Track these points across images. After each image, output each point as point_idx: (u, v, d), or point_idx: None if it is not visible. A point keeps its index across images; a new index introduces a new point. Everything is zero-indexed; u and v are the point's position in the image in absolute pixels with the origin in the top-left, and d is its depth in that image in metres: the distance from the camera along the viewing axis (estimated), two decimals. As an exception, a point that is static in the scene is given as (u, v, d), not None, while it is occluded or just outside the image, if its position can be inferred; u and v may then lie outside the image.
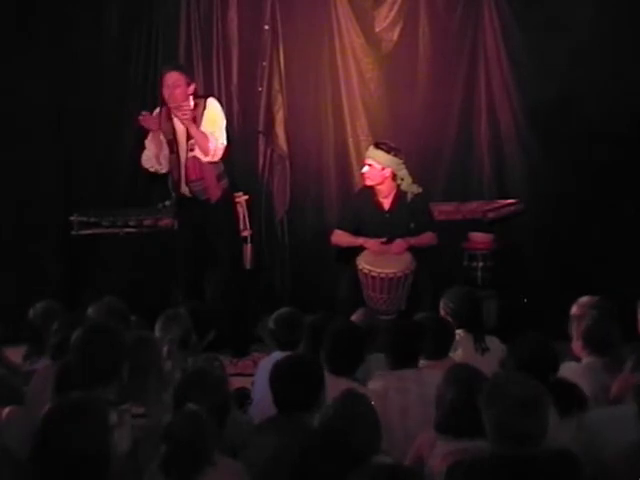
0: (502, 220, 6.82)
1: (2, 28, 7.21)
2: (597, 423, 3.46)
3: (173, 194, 6.53)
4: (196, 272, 6.52)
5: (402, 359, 4.23)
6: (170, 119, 6.37)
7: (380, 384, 4.15)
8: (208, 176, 6.34)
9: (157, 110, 6.43)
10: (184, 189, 6.39)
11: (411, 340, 4.30)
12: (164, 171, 6.45)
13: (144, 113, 6.26)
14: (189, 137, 6.28)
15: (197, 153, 6.27)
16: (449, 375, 3.51)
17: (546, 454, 2.88)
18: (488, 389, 3.03)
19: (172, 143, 6.36)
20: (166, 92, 6.26)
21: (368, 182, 6.36)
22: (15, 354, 5.00)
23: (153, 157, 6.40)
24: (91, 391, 3.46)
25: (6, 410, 3.55)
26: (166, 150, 6.37)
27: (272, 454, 3.27)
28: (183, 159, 6.33)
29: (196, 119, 6.27)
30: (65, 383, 3.57)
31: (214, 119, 6.33)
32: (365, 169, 6.34)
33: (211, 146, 6.23)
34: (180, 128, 6.34)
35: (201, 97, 6.50)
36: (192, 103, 6.30)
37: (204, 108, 6.32)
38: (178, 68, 6.42)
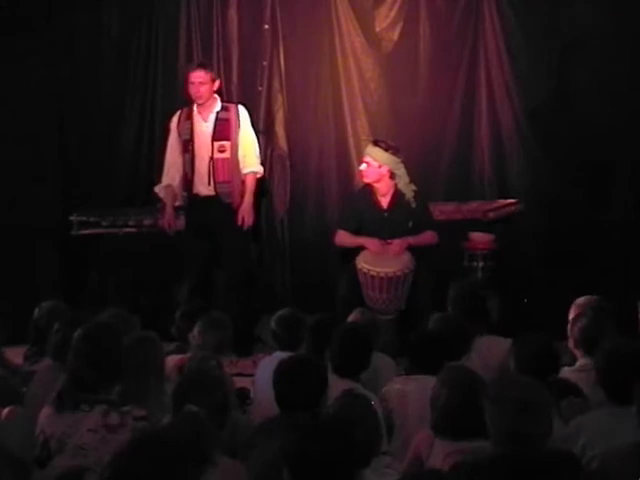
0: (502, 220, 6.81)
1: (2, 28, 7.20)
2: (595, 424, 3.46)
3: (184, 193, 6.56)
4: (203, 273, 6.55)
5: (425, 364, 4.21)
6: (189, 119, 6.48)
7: (399, 387, 4.15)
8: (235, 181, 6.47)
9: (177, 114, 6.56)
10: (202, 189, 6.45)
11: (436, 346, 4.29)
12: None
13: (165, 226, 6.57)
14: (215, 138, 6.40)
15: (227, 155, 6.40)
16: (443, 377, 3.52)
17: (547, 454, 2.89)
18: (491, 392, 3.03)
19: (187, 143, 6.46)
20: (192, 89, 6.41)
21: (365, 179, 6.36)
22: (15, 354, 4.99)
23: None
24: (96, 393, 3.45)
25: (6, 410, 3.55)
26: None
27: (273, 454, 3.27)
28: (205, 160, 6.42)
29: (230, 122, 6.42)
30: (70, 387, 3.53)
31: (250, 141, 6.54)
32: (363, 166, 6.35)
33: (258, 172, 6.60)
34: (203, 129, 6.44)
35: (230, 102, 6.66)
36: (220, 103, 6.48)
37: (237, 116, 6.48)
38: (202, 66, 6.54)
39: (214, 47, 7.38)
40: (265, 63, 7.31)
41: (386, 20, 7.21)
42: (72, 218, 6.95)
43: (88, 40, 7.43)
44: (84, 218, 6.94)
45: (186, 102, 6.58)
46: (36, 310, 4.92)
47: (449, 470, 2.96)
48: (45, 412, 3.50)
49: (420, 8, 7.12)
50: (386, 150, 6.26)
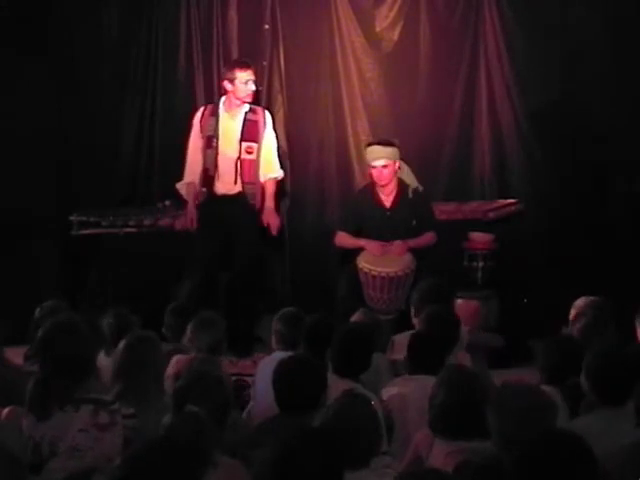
0: (502, 220, 6.81)
1: (2, 28, 7.21)
2: (591, 426, 3.46)
3: (203, 189, 6.52)
4: (207, 274, 6.54)
5: (424, 364, 4.23)
6: (213, 115, 6.46)
7: (399, 387, 4.15)
8: (259, 183, 6.48)
9: (201, 109, 6.58)
10: (223, 187, 6.43)
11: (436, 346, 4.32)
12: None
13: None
14: (243, 139, 6.40)
15: (253, 157, 6.41)
16: (442, 376, 3.53)
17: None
18: (493, 398, 3.05)
19: (211, 139, 6.44)
20: (243, 88, 6.38)
21: (384, 181, 6.30)
22: (15, 354, 4.99)
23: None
24: (68, 393, 3.42)
25: (6, 410, 3.55)
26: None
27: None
28: (231, 159, 6.41)
29: (259, 125, 6.44)
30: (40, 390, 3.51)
31: (273, 146, 6.57)
32: (385, 172, 6.27)
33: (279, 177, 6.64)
34: (230, 127, 6.42)
35: (257, 105, 6.62)
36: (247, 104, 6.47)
37: (264, 120, 6.51)
38: (250, 64, 6.55)
39: (214, 47, 7.39)
40: (265, 63, 7.31)
41: (386, 20, 7.22)
42: (72, 218, 6.95)
43: (88, 40, 7.43)
44: (84, 218, 6.94)
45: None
46: (37, 310, 4.92)
47: (453, 471, 2.95)
48: (27, 418, 3.46)
49: (420, 8, 7.12)
50: (392, 145, 6.28)
